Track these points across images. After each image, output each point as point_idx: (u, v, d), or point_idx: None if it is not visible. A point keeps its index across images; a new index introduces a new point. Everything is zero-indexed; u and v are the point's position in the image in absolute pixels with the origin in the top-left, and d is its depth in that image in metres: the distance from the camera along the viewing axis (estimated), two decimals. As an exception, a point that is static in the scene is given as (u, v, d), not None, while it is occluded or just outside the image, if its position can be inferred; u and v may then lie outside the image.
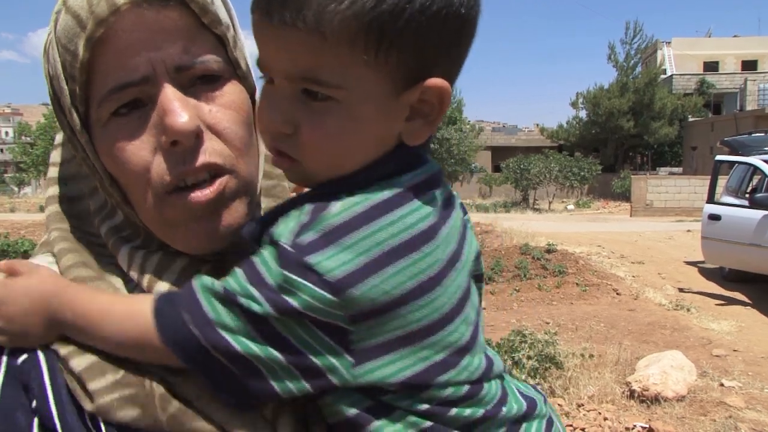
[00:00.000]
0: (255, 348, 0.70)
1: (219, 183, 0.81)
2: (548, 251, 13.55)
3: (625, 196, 33.80)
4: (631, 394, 6.19)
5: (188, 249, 0.85)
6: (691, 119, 43.59)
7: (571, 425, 5.54)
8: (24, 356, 0.78)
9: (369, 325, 0.70)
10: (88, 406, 0.75)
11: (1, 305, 0.78)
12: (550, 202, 34.61)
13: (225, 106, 0.84)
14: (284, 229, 0.72)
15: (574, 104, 47.91)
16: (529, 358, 6.33)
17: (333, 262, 0.68)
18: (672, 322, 9.14)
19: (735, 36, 54.15)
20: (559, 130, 48.40)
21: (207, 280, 0.74)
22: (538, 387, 0.97)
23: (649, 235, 18.93)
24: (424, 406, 0.75)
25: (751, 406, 6.07)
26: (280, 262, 0.69)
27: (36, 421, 0.75)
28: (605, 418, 5.67)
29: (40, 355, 0.78)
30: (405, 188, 0.74)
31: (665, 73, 48.02)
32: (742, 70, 49.31)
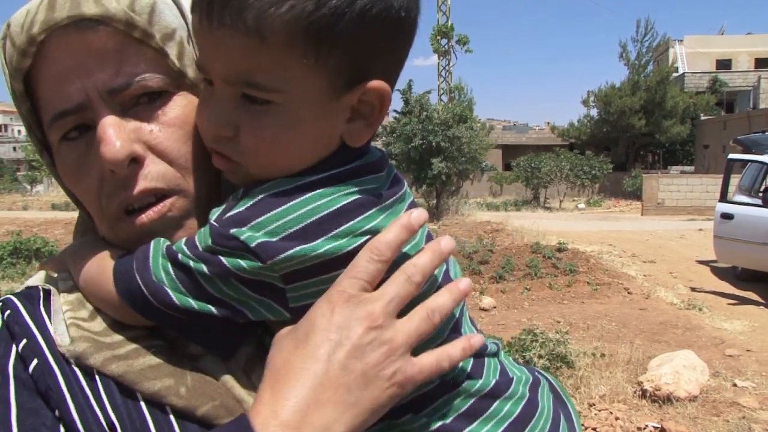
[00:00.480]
0: (190, 301, 0.74)
1: (162, 206, 0.81)
2: (559, 250, 13.50)
3: (636, 194, 33.65)
4: (643, 394, 6.16)
5: None
6: (703, 117, 43.29)
7: (582, 425, 5.51)
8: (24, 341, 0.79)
9: (303, 285, 0.74)
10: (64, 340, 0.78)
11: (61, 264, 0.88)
12: (561, 201, 34.50)
13: (168, 124, 0.81)
14: (218, 210, 0.75)
15: (585, 102, 47.70)
16: (540, 357, 6.31)
17: (252, 231, 0.71)
18: (684, 322, 9.09)
19: (748, 33, 53.67)
20: (570, 128, 48.17)
21: (159, 241, 0.78)
22: (537, 369, 0.97)
23: (661, 234, 18.84)
24: None
25: (765, 406, 6.02)
26: (211, 234, 0.73)
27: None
28: (617, 418, 5.65)
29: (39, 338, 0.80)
30: (332, 174, 0.76)
31: (677, 71, 47.71)
32: (756, 67, 48.83)
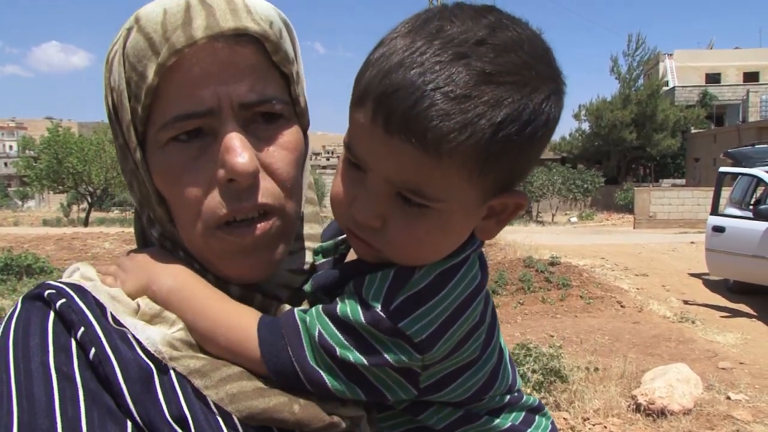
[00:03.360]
0: (342, 386, 0.80)
1: (266, 224, 0.85)
2: (552, 264, 13.51)
3: (628, 208, 33.77)
4: (637, 408, 6.14)
5: (230, 277, 0.89)
6: (693, 131, 43.62)
7: (576, 439, 5.49)
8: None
9: (434, 369, 0.81)
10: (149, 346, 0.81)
11: (126, 272, 0.88)
12: (553, 215, 34.58)
13: (282, 147, 0.86)
14: (373, 291, 0.79)
15: (576, 116, 48.01)
16: (533, 371, 6.29)
17: (418, 326, 0.77)
18: (677, 335, 9.09)
19: (737, 48, 54.30)
20: (561, 142, 48.37)
21: (306, 320, 0.82)
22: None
23: (653, 247, 18.89)
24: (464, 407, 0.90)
25: (758, 419, 6.01)
26: (374, 322, 0.78)
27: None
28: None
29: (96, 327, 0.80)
30: (463, 257, 0.83)
31: (667, 85, 48.12)
32: (744, 81, 49.36)
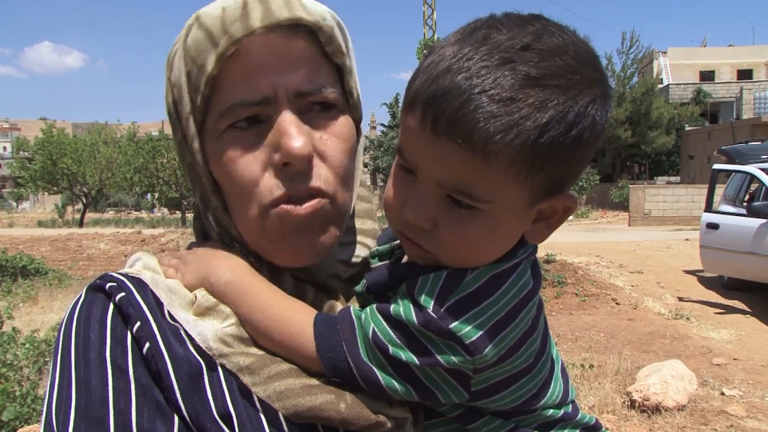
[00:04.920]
0: (395, 383, 0.81)
1: (317, 202, 0.87)
2: (547, 262, 13.53)
3: (623, 205, 33.81)
4: (632, 404, 6.17)
5: (284, 261, 0.91)
6: (687, 128, 43.67)
7: (571, 436, 5.51)
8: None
9: (486, 373, 0.81)
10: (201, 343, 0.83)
11: (187, 264, 0.91)
12: (548, 213, 34.50)
13: (335, 135, 0.90)
14: (426, 292, 0.81)
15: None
16: (529, 368, 6.30)
17: (469, 327, 0.78)
18: (672, 332, 9.13)
19: (730, 45, 54.38)
20: (556, 140, 48.25)
21: (361, 317, 0.84)
22: None
23: (648, 245, 18.93)
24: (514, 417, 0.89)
25: (752, 414, 6.05)
26: (426, 323, 0.79)
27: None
28: (606, 429, 5.63)
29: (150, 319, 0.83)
30: (515, 263, 0.84)
31: (662, 83, 48.15)
32: (738, 79, 49.43)
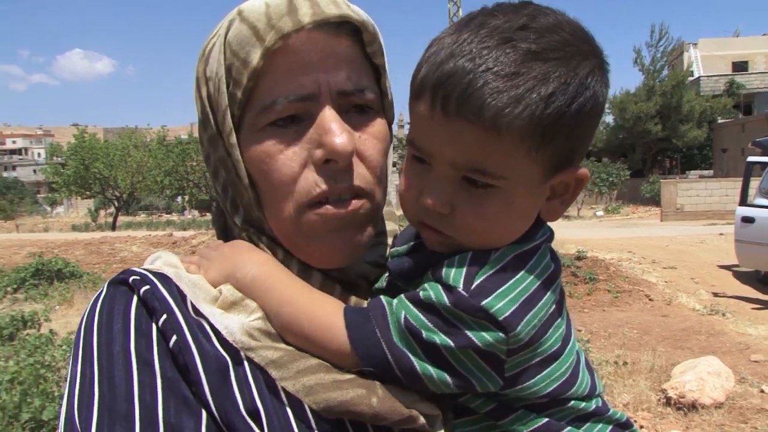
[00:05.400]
0: (431, 370, 0.80)
1: (356, 202, 0.88)
2: (578, 258, 13.41)
3: (654, 200, 33.39)
4: (667, 402, 6.08)
5: (319, 260, 0.91)
6: (720, 121, 42.94)
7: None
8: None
9: (518, 356, 0.81)
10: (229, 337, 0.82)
11: (210, 261, 0.91)
12: (578, 209, 34.30)
13: (373, 136, 0.90)
14: (453, 273, 0.80)
15: (600, 109, 47.40)
16: (561, 366, 6.25)
17: (501, 303, 0.78)
18: (707, 328, 8.98)
19: (764, 34, 53.26)
20: (585, 135, 47.84)
21: (393, 304, 0.83)
22: None
23: (681, 240, 18.65)
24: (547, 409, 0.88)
25: (792, 412, 5.92)
26: (457, 303, 0.78)
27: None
28: (641, 426, 5.58)
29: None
30: (535, 245, 0.85)
31: (692, 75, 47.41)
32: (772, 69, 48.45)
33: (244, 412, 0.78)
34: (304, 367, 0.81)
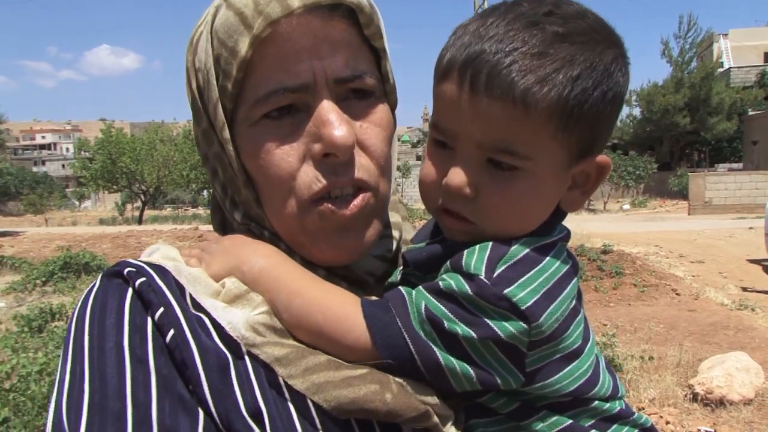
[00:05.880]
0: (454, 362, 0.78)
1: (362, 198, 0.84)
2: (604, 252, 13.29)
3: (682, 194, 32.95)
4: (694, 398, 6.00)
5: (324, 258, 0.87)
6: (751, 113, 42.15)
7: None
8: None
9: (540, 351, 0.80)
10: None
11: (212, 254, 0.88)
12: (605, 202, 33.99)
13: (374, 123, 0.86)
14: (474, 262, 0.79)
15: (627, 102, 46.81)
16: (586, 361, 6.20)
17: (523, 292, 0.76)
18: (735, 323, 8.84)
19: (795, 25, 52.21)
20: (612, 128, 47.37)
21: (412, 294, 0.80)
22: None
23: (709, 234, 18.39)
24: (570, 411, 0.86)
25: (823, 409, 5.81)
26: (479, 291, 0.77)
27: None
28: (667, 422, 5.51)
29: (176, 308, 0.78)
30: (552, 241, 0.85)
31: (722, 66, 46.61)
32: (805, 59, 47.47)
33: (244, 412, 0.74)
34: (313, 364, 0.77)
